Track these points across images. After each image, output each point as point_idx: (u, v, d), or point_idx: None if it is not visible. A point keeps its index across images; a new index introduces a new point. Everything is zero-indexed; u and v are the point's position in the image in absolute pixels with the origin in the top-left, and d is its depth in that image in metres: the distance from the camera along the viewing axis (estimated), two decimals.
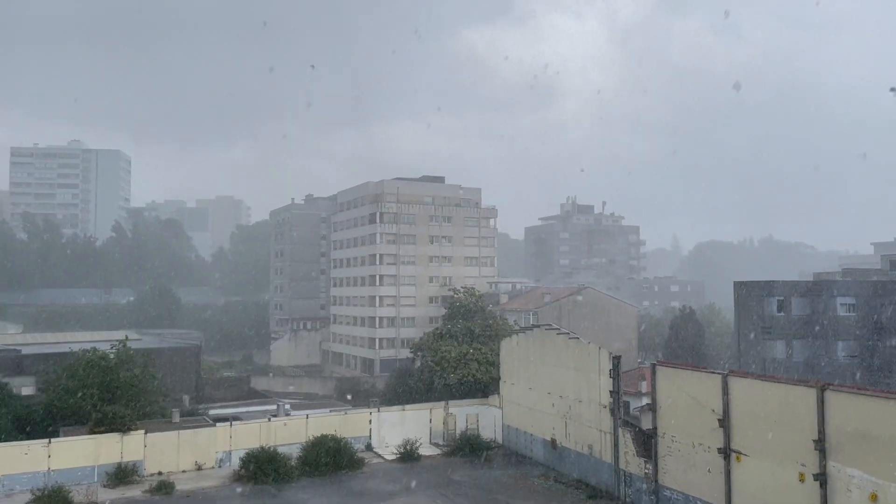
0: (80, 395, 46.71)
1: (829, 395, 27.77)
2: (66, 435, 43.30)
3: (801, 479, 28.39)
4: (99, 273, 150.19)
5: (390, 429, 50.41)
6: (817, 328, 58.56)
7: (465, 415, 52.63)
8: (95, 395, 46.73)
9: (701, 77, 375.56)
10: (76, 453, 41.69)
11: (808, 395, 28.52)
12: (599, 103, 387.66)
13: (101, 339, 59.68)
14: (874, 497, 25.72)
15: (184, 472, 44.00)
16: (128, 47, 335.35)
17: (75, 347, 53.03)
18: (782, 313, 59.48)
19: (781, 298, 59.76)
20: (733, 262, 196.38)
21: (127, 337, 56.81)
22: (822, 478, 27.52)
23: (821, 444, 27.60)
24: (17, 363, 58.02)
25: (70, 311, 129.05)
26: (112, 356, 50.41)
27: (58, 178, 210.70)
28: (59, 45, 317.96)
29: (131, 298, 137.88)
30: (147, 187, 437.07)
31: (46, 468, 40.60)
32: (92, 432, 42.74)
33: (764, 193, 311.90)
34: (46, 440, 41.69)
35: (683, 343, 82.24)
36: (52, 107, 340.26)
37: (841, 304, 58.83)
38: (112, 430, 42.73)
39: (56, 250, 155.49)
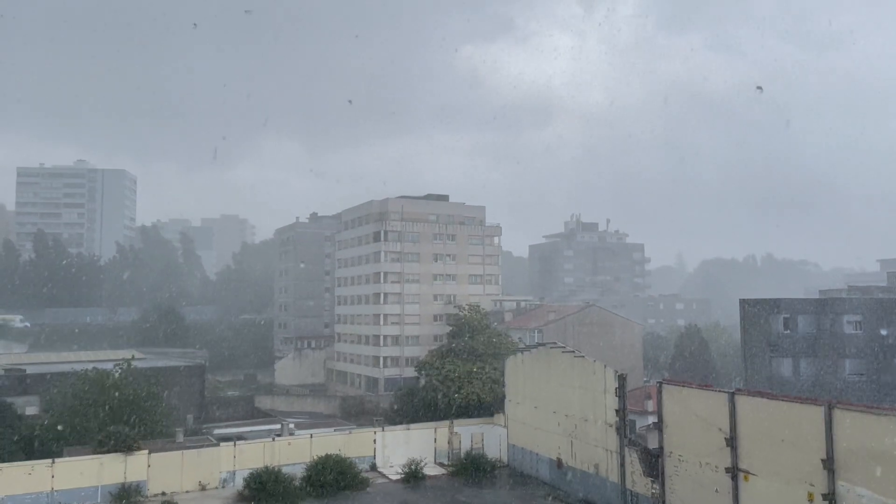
0: (83, 414, 46.64)
1: (837, 414, 27.55)
2: (69, 455, 43.15)
3: (810, 498, 28.10)
4: (104, 292, 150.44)
5: (395, 448, 50.14)
6: (824, 346, 58.22)
7: (470, 434, 52.33)
8: (99, 414, 46.65)
9: (702, 94, 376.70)
10: (80, 474, 41.50)
11: (815, 414, 28.30)
12: (601, 121, 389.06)
13: (106, 359, 59.76)
14: None
15: (187, 492, 43.76)
16: (129, 68, 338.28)
17: (80, 367, 53.01)
18: (788, 331, 59.20)
19: (788, 316, 59.50)
20: (738, 279, 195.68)
21: (133, 356, 56.83)
22: (831, 497, 27.24)
23: (829, 464, 27.34)
24: (22, 383, 58.04)
25: (75, 331, 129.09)
26: (117, 375, 50.42)
27: (64, 197, 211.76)
28: (60, 66, 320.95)
29: (136, 317, 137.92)
30: (152, 207, 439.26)
31: (50, 489, 40.43)
32: (96, 452, 42.62)
33: (767, 211, 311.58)
34: (50, 460, 41.54)
35: (689, 361, 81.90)
36: (54, 128, 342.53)
37: (848, 322, 58.51)
38: (116, 450, 42.58)
39: (61, 269, 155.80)
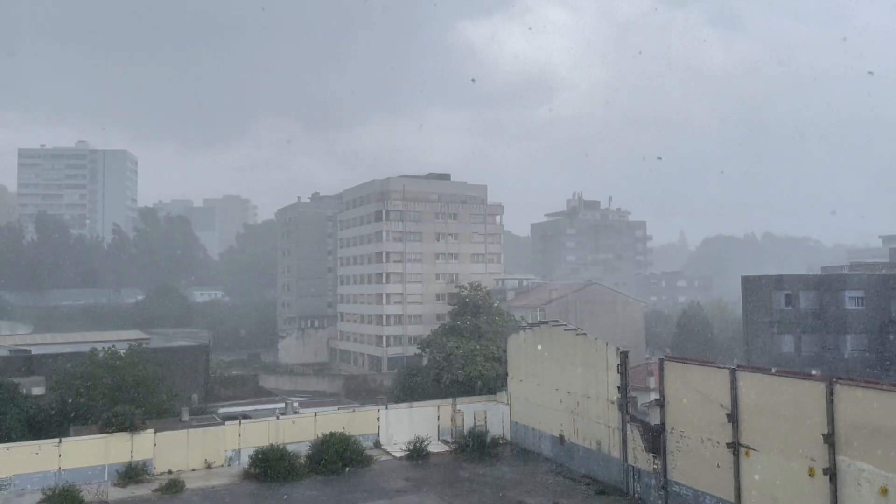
0: (90, 394, 46.95)
1: (839, 389, 27.67)
2: (76, 434, 43.53)
3: (811, 473, 28.31)
4: (107, 273, 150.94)
5: (398, 426, 50.50)
6: (826, 322, 58.34)
7: (473, 411, 52.66)
8: (105, 394, 46.97)
9: (702, 70, 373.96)
10: (86, 453, 41.90)
11: (817, 390, 28.42)
12: (601, 97, 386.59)
13: (110, 339, 60.03)
14: (884, 491, 25.63)
15: (193, 470, 44.19)
16: (129, 48, 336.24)
17: (84, 348, 53.30)
18: (790, 307, 59.29)
19: (789, 292, 59.56)
20: (740, 256, 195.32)
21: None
22: (831, 472, 27.44)
23: (830, 439, 27.51)
24: (28, 363, 58.35)
25: (79, 312, 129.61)
26: (122, 354, 50.73)
27: (65, 178, 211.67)
28: (59, 47, 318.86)
29: (140, 298, 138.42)
30: (154, 187, 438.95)
31: (57, 468, 40.83)
32: (102, 432, 42.99)
33: (768, 188, 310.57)
34: (57, 440, 41.92)
35: (691, 338, 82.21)
36: (54, 109, 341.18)
37: (850, 298, 58.59)
38: (122, 430, 42.95)
39: (64, 251, 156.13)
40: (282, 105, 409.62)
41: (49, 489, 38.54)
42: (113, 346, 53.33)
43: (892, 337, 56.80)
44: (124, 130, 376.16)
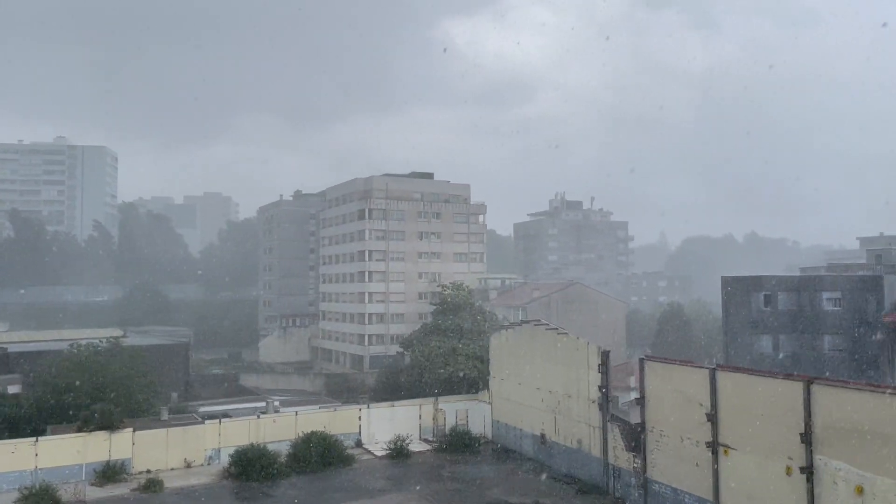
0: (67, 392, 46.43)
1: (816, 389, 28.00)
2: (53, 433, 43.05)
3: (788, 472, 28.64)
4: (86, 270, 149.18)
5: (380, 425, 50.45)
6: (804, 322, 59.02)
7: (455, 410, 52.74)
8: (84, 392, 46.48)
9: (681, 71, 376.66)
10: (64, 451, 41.47)
11: (794, 389, 28.74)
12: (582, 98, 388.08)
13: (88, 337, 59.37)
14: (860, 489, 25.98)
15: (172, 469, 43.87)
16: (108, 43, 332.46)
17: (61, 345, 52.71)
18: (769, 308, 59.90)
19: (768, 293, 60.17)
20: (720, 257, 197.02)
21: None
22: (808, 471, 27.76)
23: (807, 438, 27.83)
24: (4, 361, 57.63)
25: (56, 309, 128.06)
26: (101, 349, 50.20)
27: (43, 174, 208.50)
28: (36, 43, 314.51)
29: (119, 296, 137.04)
30: (134, 184, 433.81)
31: (34, 467, 40.37)
32: (80, 430, 42.52)
33: (747, 189, 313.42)
34: (34, 439, 41.44)
35: (671, 338, 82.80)
36: (32, 105, 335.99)
37: (827, 299, 59.25)
38: (100, 428, 42.54)
39: (42, 247, 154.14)
40: (264, 102, 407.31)
41: (25, 488, 38.09)
42: (95, 342, 52.74)
43: (868, 338, 57.55)
44: (104, 126, 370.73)
